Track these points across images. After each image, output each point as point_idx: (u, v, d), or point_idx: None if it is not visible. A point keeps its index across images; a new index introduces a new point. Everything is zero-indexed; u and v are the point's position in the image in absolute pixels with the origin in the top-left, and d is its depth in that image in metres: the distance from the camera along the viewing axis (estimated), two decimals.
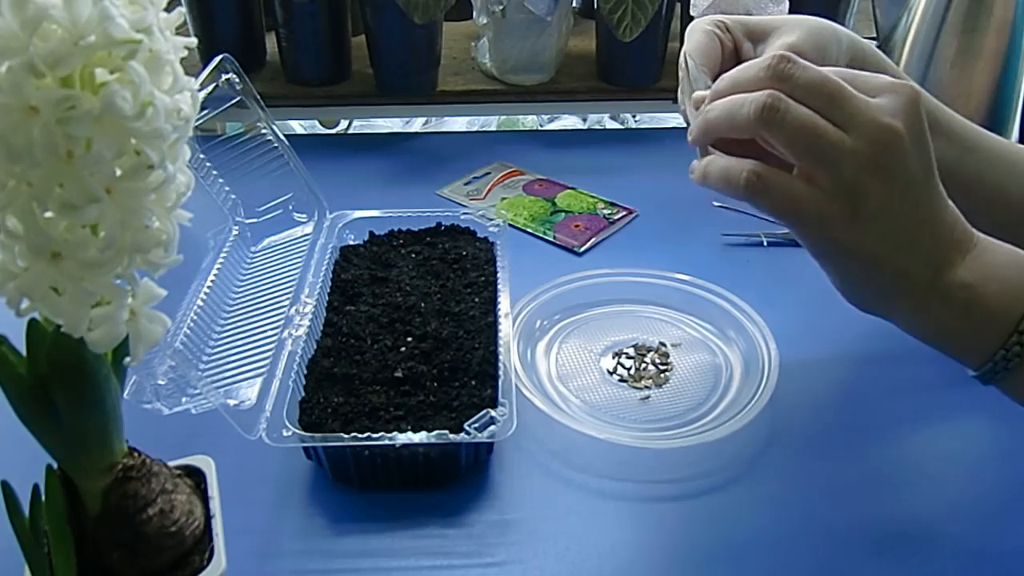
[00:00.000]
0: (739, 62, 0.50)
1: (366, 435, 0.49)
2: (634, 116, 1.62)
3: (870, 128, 0.43)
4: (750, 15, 0.94)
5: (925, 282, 0.45)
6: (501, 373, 0.54)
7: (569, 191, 0.85)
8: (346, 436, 0.49)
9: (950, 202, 0.46)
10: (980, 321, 0.45)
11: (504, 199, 0.84)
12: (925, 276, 0.45)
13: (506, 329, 0.58)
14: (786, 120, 0.43)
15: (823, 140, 0.43)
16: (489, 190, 0.86)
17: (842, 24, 0.99)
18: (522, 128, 1.62)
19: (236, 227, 0.71)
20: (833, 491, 0.53)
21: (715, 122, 0.46)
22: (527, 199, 0.84)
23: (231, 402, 0.52)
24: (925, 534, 0.50)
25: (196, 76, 0.39)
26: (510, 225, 0.77)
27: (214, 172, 0.69)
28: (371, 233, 0.71)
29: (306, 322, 0.59)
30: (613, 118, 1.68)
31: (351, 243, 0.70)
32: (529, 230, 0.79)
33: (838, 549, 0.49)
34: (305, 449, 0.53)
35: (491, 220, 0.70)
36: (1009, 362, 0.44)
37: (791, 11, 0.95)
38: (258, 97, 0.66)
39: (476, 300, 0.62)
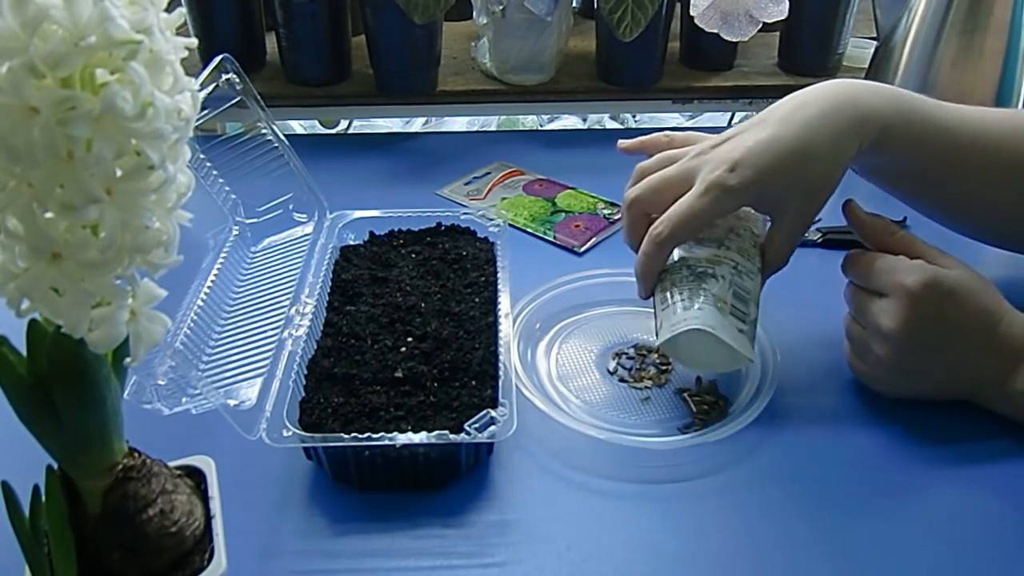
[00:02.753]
0: None
1: (366, 435, 0.49)
2: (634, 116, 1.62)
3: (884, 337, 0.55)
4: (751, 17, 0.94)
5: (989, 394, 0.56)
6: (501, 373, 0.54)
7: (569, 191, 0.85)
8: (346, 436, 0.49)
9: (1004, 317, 0.55)
10: None
11: (504, 199, 0.84)
12: (989, 390, 0.56)
13: (506, 329, 0.58)
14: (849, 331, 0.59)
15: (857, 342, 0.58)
16: (489, 190, 0.86)
17: (842, 25, 1.00)
18: (522, 128, 1.62)
19: (236, 227, 0.71)
20: (833, 491, 0.53)
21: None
22: (527, 199, 0.84)
23: (231, 402, 0.52)
24: (926, 534, 0.50)
25: (196, 76, 0.39)
26: (510, 225, 0.77)
27: (214, 172, 0.69)
28: (371, 233, 0.71)
29: (306, 322, 0.59)
30: (613, 118, 1.68)
31: (351, 243, 0.70)
32: (529, 230, 0.79)
33: (838, 549, 0.49)
34: (305, 449, 0.53)
35: (491, 220, 0.70)
36: None
37: (791, 13, 0.95)
38: (258, 97, 0.66)
39: (476, 300, 0.62)
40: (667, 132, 0.64)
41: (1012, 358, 0.54)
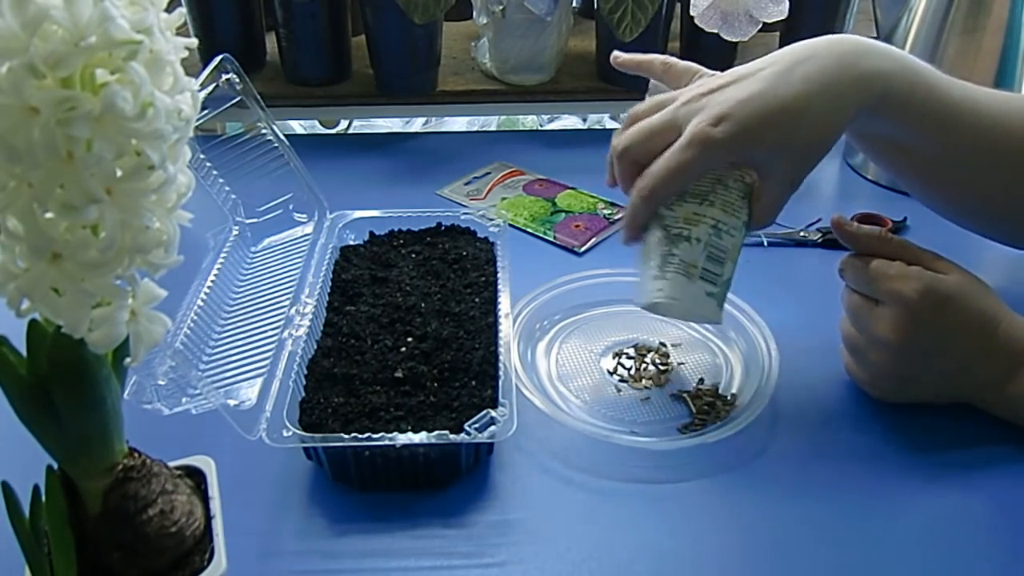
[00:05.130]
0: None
1: (366, 435, 0.49)
2: None
3: (881, 344, 0.55)
4: (751, 17, 0.94)
5: (989, 398, 0.56)
6: (501, 373, 0.54)
7: (569, 191, 0.85)
8: (346, 436, 0.49)
9: (1002, 321, 0.54)
10: None
11: (504, 199, 0.84)
12: (988, 394, 0.56)
13: (506, 329, 0.58)
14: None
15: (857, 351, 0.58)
16: (489, 190, 0.86)
17: (842, 25, 1.00)
18: (522, 128, 1.62)
19: (236, 227, 0.71)
20: (832, 492, 0.53)
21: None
22: (527, 199, 0.84)
23: (231, 402, 0.52)
24: (926, 534, 0.50)
25: (196, 76, 0.39)
26: (510, 225, 0.77)
27: (214, 172, 0.69)
28: (371, 233, 0.71)
29: (306, 322, 0.59)
30: (613, 118, 1.67)
31: (351, 243, 0.70)
32: (529, 230, 0.79)
33: (838, 549, 0.49)
34: (305, 449, 0.53)
35: (491, 220, 0.70)
36: None
37: (791, 13, 0.95)
38: (258, 97, 0.66)
39: (476, 300, 0.62)
40: (666, 58, 0.61)
41: (1011, 362, 0.54)
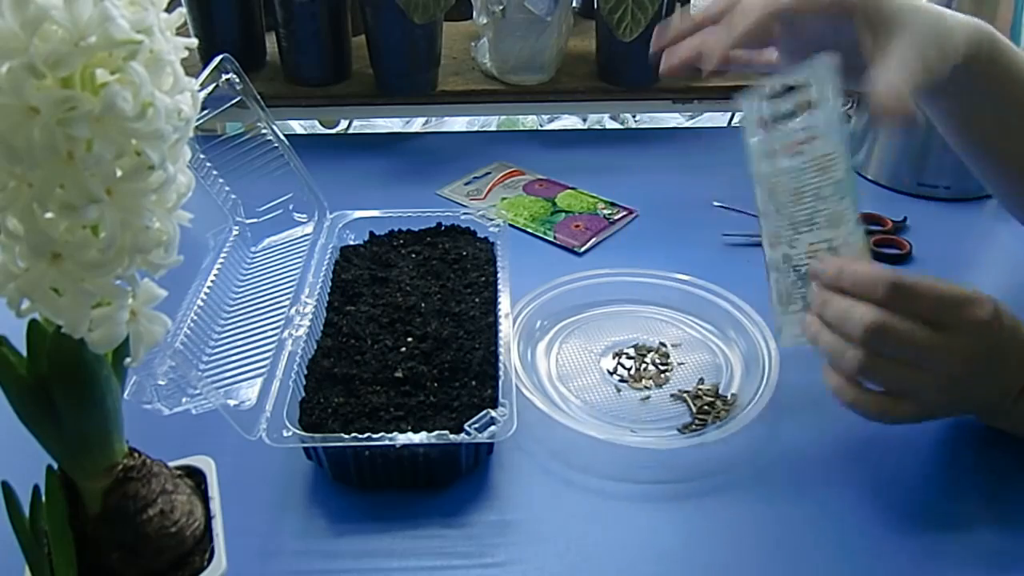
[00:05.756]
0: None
1: (366, 435, 0.49)
2: (634, 116, 1.62)
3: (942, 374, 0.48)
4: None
5: (1000, 410, 0.53)
6: (501, 373, 0.54)
7: (569, 191, 0.85)
8: (346, 436, 0.49)
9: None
10: None
11: (504, 199, 0.84)
12: (1000, 404, 0.52)
13: (506, 329, 0.58)
14: (877, 374, 0.49)
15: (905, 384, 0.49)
16: (489, 190, 0.86)
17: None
18: (522, 128, 1.62)
19: (236, 227, 0.71)
20: (833, 491, 0.53)
21: (823, 351, 0.51)
22: (527, 199, 0.84)
23: (231, 402, 0.52)
24: (926, 534, 0.50)
25: (196, 76, 0.39)
26: (510, 225, 0.77)
27: (214, 172, 0.69)
28: (371, 233, 0.71)
29: (306, 322, 0.59)
30: (613, 118, 1.67)
31: (351, 243, 0.70)
32: (529, 230, 0.79)
33: (838, 549, 0.49)
34: (305, 449, 0.53)
35: (491, 220, 0.70)
36: None
37: None
38: (258, 97, 0.66)
39: (476, 300, 0.62)
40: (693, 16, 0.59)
41: (1013, 385, 0.51)
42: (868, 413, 0.50)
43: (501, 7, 0.93)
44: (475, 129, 1.59)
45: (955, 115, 0.60)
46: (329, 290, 0.64)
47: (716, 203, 0.82)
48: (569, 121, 1.67)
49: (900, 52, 0.50)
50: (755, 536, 0.50)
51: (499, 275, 0.64)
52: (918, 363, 0.48)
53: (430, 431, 0.50)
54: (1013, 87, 0.56)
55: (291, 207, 0.72)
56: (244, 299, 0.66)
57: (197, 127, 0.35)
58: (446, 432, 0.49)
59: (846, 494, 0.53)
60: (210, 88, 0.62)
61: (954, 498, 0.52)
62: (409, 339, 0.58)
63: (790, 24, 0.55)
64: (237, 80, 0.64)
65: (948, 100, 0.59)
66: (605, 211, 0.82)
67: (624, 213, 0.81)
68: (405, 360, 0.56)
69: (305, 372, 0.56)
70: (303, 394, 0.54)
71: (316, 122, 1.36)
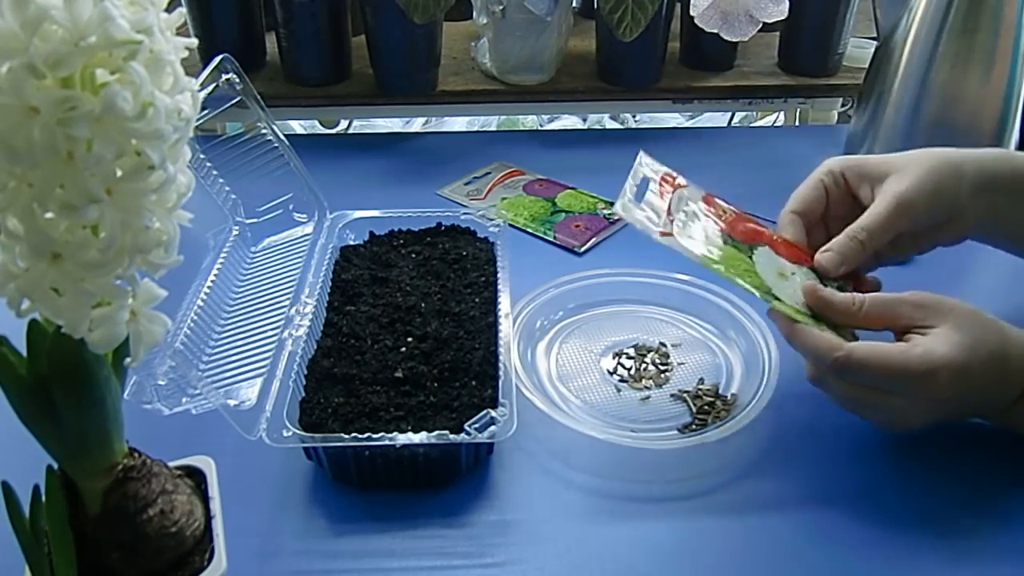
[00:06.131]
0: (855, 202, 0.60)
1: (366, 435, 0.49)
2: (634, 116, 1.62)
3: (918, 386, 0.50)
4: (751, 17, 0.94)
5: (997, 415, 0.54)
6: (501, 373, 0.54)
7: (569, 191, 0.85)
8: (346, 436, 0.49)
9: (1010, 352, 0.51)
10: None
11: (504, 199, 0.84)
12: (997, 412, 0.54)
13: (506, 329, 0.58)
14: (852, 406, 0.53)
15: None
16: (489, 190, 0.86)
17: (842, 25, 1.00)
18: (522, 128, 1.62)
19: (236, 227, 0.71)
20: (833, 491, 0.53)
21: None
22: (527, 199, 0.84)
23: (231, 402, 0.52)
24: (925, 534, 0.50)
25: (196, 76, 0.39)
26: (510, 225, 0.77)
27: (214, 172, 0.69)
28: (371, 233, 0.71)
29: (306, 322, 0.59)
30: (613, 118, 1.68)
31: (351, 243, 0.70)
32: (529, 230, 0.79)
33: (838, 550, 0.49)
34: (305, 449, 0.53)
35: (491, 220, 0.70)
36: None
37: (791, 13, 0.95)
38: (258, 97, 0.66)
39: (476, 300, 0.62)
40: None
41: (1017, 389, 0.52)
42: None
43: (501, 7, 0.93)
44: (475, 129, 1.60)
45: (992, 228, 0.62)
46: (329, 290, 0.64)
47: None
48: (569, 121, 1.67)
49: (876, 208, 0.57)
50: (755, 536, 0.50)
51: (499, 275, 0.64)
52: (884, 405, 0.51)
53: (430, 431, 0.50)
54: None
55: (291, 207, 0.72)
56: (244, 299, 0.66)
57: (197, 127, 0.35)
58: (446, 432, 0.49)
59: (846, 494, 0.53)
60: (210, 88, 0.62)
61: (955, 499, 0.52)
62: (409, 339, 0.58)
63: None
64: (237, 80, 0.64)
65: (995, 233, 0.62)
66: (605, 211, 0.82)
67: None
68: (405, 360, 0.56)
69: (305, 372, 0.56)
70: (303, 394, 0.54)
71: (316, 122, 1.36)
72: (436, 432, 0.49)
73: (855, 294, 0.53)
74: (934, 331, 0.50)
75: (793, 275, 0.56)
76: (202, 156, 0.68)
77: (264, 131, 0.68)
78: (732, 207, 0.61)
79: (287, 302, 0.62)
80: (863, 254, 0.56)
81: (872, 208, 0.57)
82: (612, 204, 0.83)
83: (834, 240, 0.57)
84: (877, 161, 0.59)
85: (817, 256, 0.57)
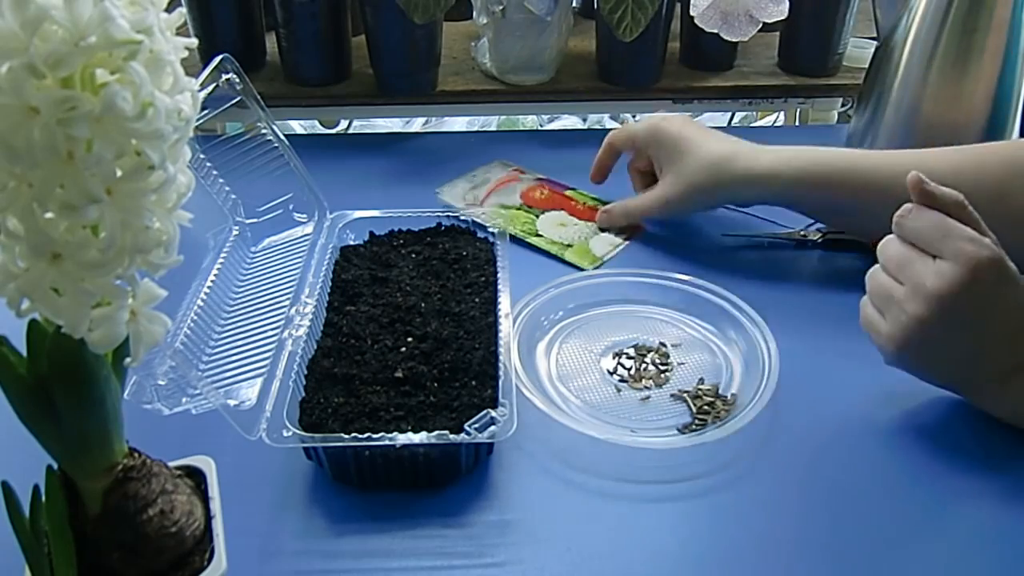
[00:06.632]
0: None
1: (366, 435, 0.49)
2: (634, 116, 1.62)
3: (922, 294, 0.52)
4: (751, 17, 0.94)
5: (987, 393, 0.55)
6: (501, 373, 0.54)
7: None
8: (346, 436, 0.49)
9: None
10: None
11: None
12: (988, 389, 0.55)
13: (506, 329, 0.58)
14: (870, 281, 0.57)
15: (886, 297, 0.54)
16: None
17: (842, 25, 1.00)
18: (522, 128, 1.62)
19: (236, 227, 0.71)
20: (833, 491, 0.53)
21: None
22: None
23: (231, 402, 0.52)
24: (926, 532, 0.50)
25: (196, 76, 0.39)
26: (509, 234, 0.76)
27: (214, 172, 0.69)
28: (371, 233, 0.71)
29: (306, 322, 0.59)
30: (613, 118, 1.67)
31: (351, 243, 0.70)
32: (528, 242, 0.78)
33: (838, 550, 0.49)
34: (305, 449, 0.53)
35: (492, 221, 0.70)
36: None
37: (791, 13, 0.95)
38: (258, 97, 0.66)
39: (476, 300, 0.62)
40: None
41: (1012, 365, 0.53)
42: (867, 325, 0.57)
43: (501, 7, 0.93)
44: (475, 129, 1.60)
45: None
46: (329, 290, 0.64)
47: None
48: (569, 121, 1.67)
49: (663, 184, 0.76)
50: (755, 535, 0.50)
51: (499, 275, 0.64)
52: (905, 274, 0.53)
53: (430, 431, 0.50)
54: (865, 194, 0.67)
55: (291, 207, 0.72)
56: (244, 299, 0.66)
57: (197, 127, 0.35)
58: (446, 432, 0.49)
59: (846, 493, 0.53)
60: (210, 88, 0.62)
61: (955, 497, 0.52)
62: (409, 339, 0.58)
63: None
64: (237, 80, 0.64)
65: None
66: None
67: (630, 232, 0.79)
68: (405, 360, 0.56)
69: (305, 372, 0.56)
70: (303, 394, 0.54)
71: (316, 122, 1.36)
72: (436, 432, 0.49)
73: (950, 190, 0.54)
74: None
75: (575, 225, 0.79)
76: (202, 156, 0.68)
77: (264, 131, 0.68)
78: (552, 189, 0.86)
79: (287, 302, 0.62)
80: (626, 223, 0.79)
81: (642, 197, 0.78)
82: (606, 203, 0.83)
83: (612, 205, 0.79)
84: (670, 148, 0.75)
85: (598, 214, 0.80)
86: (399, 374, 0.55)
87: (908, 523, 0.51)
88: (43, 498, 0.37)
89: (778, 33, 1.05)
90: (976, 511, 0.52)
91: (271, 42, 1.02)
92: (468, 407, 0.52)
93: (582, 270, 0.72)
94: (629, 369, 0.62)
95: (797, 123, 1.21)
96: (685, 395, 0.59)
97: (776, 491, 0.53)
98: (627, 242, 0.77)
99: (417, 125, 1.60)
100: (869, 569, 0.48)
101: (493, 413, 0.51)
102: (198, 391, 0.51)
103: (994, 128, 0.81)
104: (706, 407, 0.58)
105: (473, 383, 0.54)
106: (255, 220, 0.72)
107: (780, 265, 0.75)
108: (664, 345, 0.64)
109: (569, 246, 0.76)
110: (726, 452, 0.55)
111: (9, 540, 0.37)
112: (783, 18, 0.95)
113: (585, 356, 0.64)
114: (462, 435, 0.49)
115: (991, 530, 0.50)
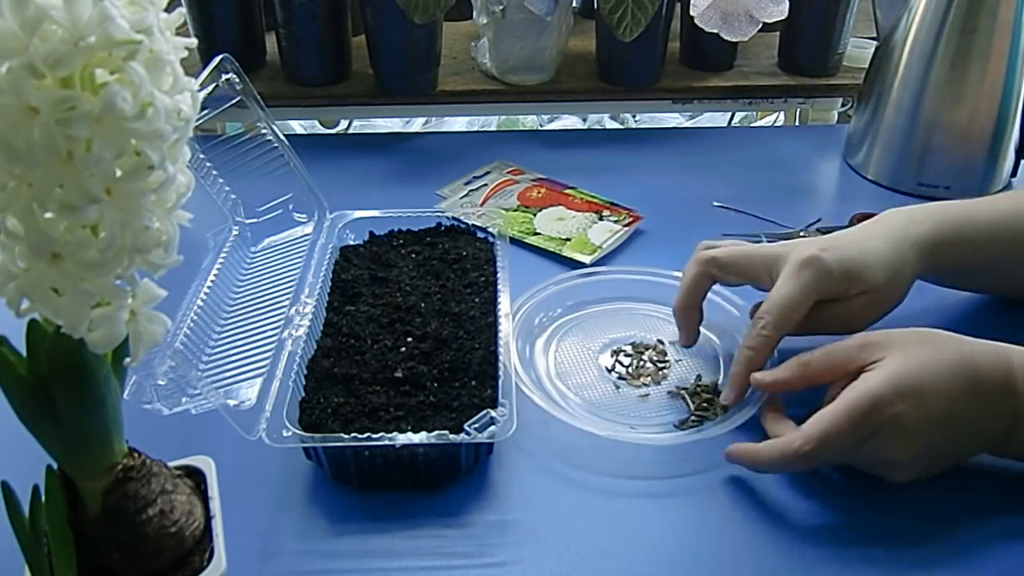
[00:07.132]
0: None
1: (366, 435, 0.49)
2: (634, 116, 1.62)
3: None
4: (751, 17, 0.94)
5: (999, 447, 0.52)
6: (501, 373, 0.54)
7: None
8: (346, 436, 0.49)
9: (977, 365, 0.49)
10: None
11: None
12: (999, 444, 0.51)
13: (506, 329, 0.58)
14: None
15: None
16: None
17: (842, 25, 1.00)
18: (522, 128, 1.62)
19: (236, 227, 0.71)
20: (832, 487, 0.53)
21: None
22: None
23: (231, 402, 0.52)
24: (925, 531, 0.50)
25: (196, 76, 0.39)
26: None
27: (214, 172, 0.69)
28: (371, 233, 0.71)
29: (306, 322, 0.59)
30: (613, 118, 1.68)
31: (351, 243, 0.70)
32: (527, 243, 0.78)
33: (838, 548, 0.49)
34: (305, 449, 0.53)
35: (492, 221, 0.70)
36: None
37: (791, 13, 0.95)
38: (258, 97, 0.66)
39: (476, 300, 0.62)
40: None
41: (1004, 409, 0.50)
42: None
43: (501, 7, 0.93)
44: (475, 129, 1.60)
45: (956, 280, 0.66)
46: (329, 290, 0.64)
47: (716, 203, 0.82)
48: (569, 121, 1.67)
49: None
50: (754, 532, 0.50)
51: (499, 275, 0.64)
52: (865, 464, 0.52)
53: (430, 431, 0.50)
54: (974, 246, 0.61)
55: (291, 207, 0.72)
56: (244, 299, 0.66)
57: (197, 127, 0.35)
58: (446, 432, 0.49)
59: (844, 490, 0.53)
60: (210, 88, 0.62)
61: (955, 496, 0.52)
62: (409, 339, 0.58)
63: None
64: (237, 80, 0.64)
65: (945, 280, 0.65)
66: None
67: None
68: (405, 360, 0.56)
69: (305, 372, 0.56)
70: (303, 394, 0.54)
71: (316, 122, 1.36)
72: (436, 432, 0.50)
73: (803, 355, 0.54)
74: (879, 364, 0.50)
75: (573, 217, 0.77)
76: (202, 156, 0.68)
77: (264, 131, 0.68)
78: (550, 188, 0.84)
79: (287, 302, 0.62)
80: (772, 344, 0.57)
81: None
82: (612, 204, 0.83)
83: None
84: (744, 264, 0.60)
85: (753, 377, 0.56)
86: (399, 374, 0.55)
87: (907, 521, 0.51)
88: (43, 498, 0.37)
89: (778, 33, 1.05)
90: (977, 511, 0.52)
91: (271, 42, 1.02)
92: (468, 407, 0.52)
93: (582, 265, 0.72)
94: (627, 366, 0.62)
95: (797, 123, 1.21)
96: (683, 392, 0.59)
97: (774, 487, 0.53)
98: (626, 228, 0.77)
99: (417, 125, 1.60)
100: (869, 565, 0.48)
101: (493, 413, 0.51)
102: (198, 391, 0.51)
103: (994, 128, 0.82)
104: (704, 404, 0.58)
105: (473, 383, 0.54)
106: (255, 220, 0.72)
107: None
108: (662, 342, 0.64)
109: (567, 240, 0.75)
110: (724, 448, 0.55)
111: (9, 540, 0.37)
112: (783, 18, 0.95)
113: (583, 353, 0.64)
114: (462, 435, 0.49)
115: (992, 535, 0.50)
